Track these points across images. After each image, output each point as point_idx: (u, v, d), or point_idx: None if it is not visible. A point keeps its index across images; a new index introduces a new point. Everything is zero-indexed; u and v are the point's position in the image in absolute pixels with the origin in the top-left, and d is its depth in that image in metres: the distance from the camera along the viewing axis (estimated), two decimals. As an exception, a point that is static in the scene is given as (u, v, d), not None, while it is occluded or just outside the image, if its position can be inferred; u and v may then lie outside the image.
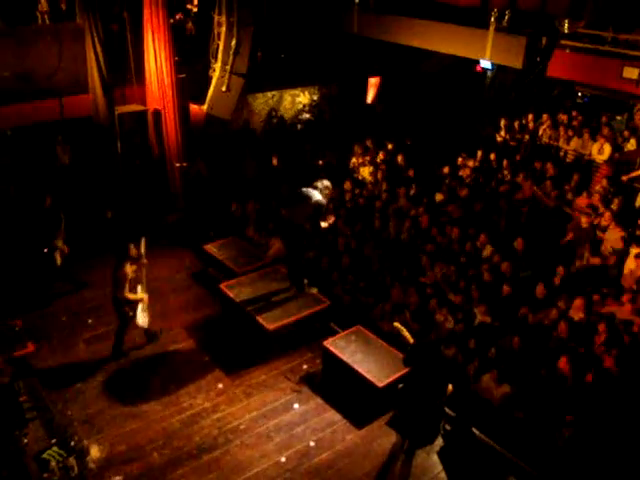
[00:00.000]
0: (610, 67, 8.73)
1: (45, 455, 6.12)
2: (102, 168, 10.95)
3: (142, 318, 7.90)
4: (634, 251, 8.55)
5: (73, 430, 6.70)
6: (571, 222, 9.65)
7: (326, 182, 8.14)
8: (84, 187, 10.75)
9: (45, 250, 8.91)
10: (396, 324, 6.61)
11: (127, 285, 7.59)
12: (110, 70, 10.39)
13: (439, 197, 10.89)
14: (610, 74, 8.74)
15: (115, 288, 7.62)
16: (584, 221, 9.27)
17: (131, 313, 7.78)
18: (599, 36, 9.15)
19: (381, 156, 12.56)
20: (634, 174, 10.55)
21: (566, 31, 9.41)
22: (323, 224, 8.16)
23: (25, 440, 6.34)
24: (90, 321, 8.66)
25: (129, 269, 7.59)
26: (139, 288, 7.87)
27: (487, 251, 9.21)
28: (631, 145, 11.35)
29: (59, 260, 9.06)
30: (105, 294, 9.12)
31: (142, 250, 7.91)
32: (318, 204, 7.92)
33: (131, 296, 7.69)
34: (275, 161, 12.56)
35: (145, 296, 7.88)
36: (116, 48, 10.51)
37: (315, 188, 8.00)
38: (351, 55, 13.48)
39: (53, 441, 6.36)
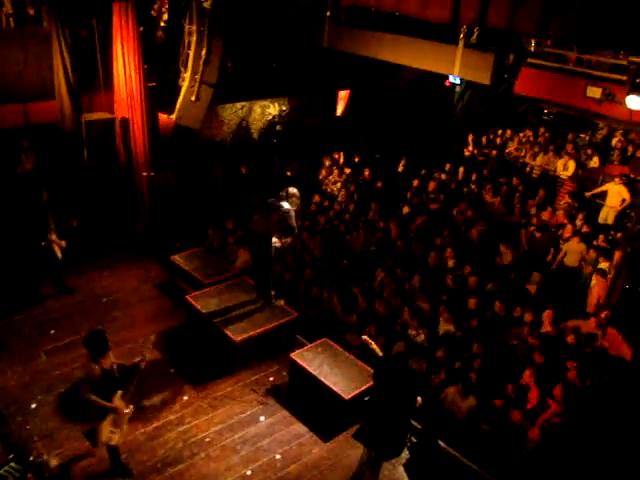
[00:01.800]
0: (574, 86, 8.95)
1: (2, 471, 5.92)
2: (68, 176, 10.76)
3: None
4: (599, 266, 8.76)
5: (32, 445, 6.52)
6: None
7: (292, 189, 8.06)
8: (49, 195, 10.54)
9: (43, 243, 8.90)
10: (365, 337, 6.60)
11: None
12: (77, 76, 10.23)
13: (406, 210, 10.97)
14: (574, 93, 8.96)
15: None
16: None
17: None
18: (564, 56, 9.38)
19: (347, 171, 12.61)
20: (596, 190, 10.83)
21: (532, 49, 9.63)
22: (276, 243, 8.10)
23: (-19, 456, 6.16)
24: (52, 332, 8.46)
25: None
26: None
27: (451, 262, 9.35)
28: (594, 162, 11.66)
29: (59, 253, 9.09)
30: (69, 304, 9.05)
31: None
32: (285, 213, 7.88)
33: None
34: (244, 171, 12.52)
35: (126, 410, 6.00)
36: (84, 54, 10.34)
37: (281, 198, 7.95)
38: (321, 68, 13.55)
39: (10, 456, 6.16)
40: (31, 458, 6.20)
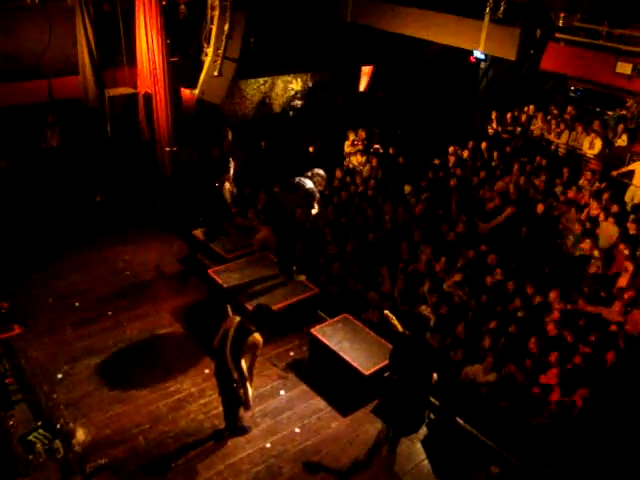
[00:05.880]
0: (604, 62, 8.76)
1: (31, 437, 6.10)
2: (91, 151, 10.85)
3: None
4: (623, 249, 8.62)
5: (59, 413, 6.68)
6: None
7: (318, 170, 8.10)
8: (73, 170, 10.65)
9: (217, 184, 9.57)
10: (386, 312, 6.62)
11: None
12: (100, 51, 10.28)
13: (408, 189, 10.83)
14: (603, 69, 8.77)
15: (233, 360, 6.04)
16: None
17: (242, 391, 6.14)
18: (594, 30, 9.16)
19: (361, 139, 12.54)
20: (624, 169, 10.63)
21: (561, 24, 9.42)
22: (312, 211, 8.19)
23: (11, 422, 6.33)
24: (77, 304, 8.61)
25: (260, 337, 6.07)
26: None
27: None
28: (622, 141, 11.42)
29: (229, 197, 9.78)
30: (92, 277, 9.20)
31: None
32: (308, 193, 7.90)
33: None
34: (262, 145, 12.52)
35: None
36: (107, 29, 10.36)
37: (307, 177, 7.97)
38: (344, 43, 13.41)
39: (39, 423, 6.32)
40: (58, 426, 6.35)
